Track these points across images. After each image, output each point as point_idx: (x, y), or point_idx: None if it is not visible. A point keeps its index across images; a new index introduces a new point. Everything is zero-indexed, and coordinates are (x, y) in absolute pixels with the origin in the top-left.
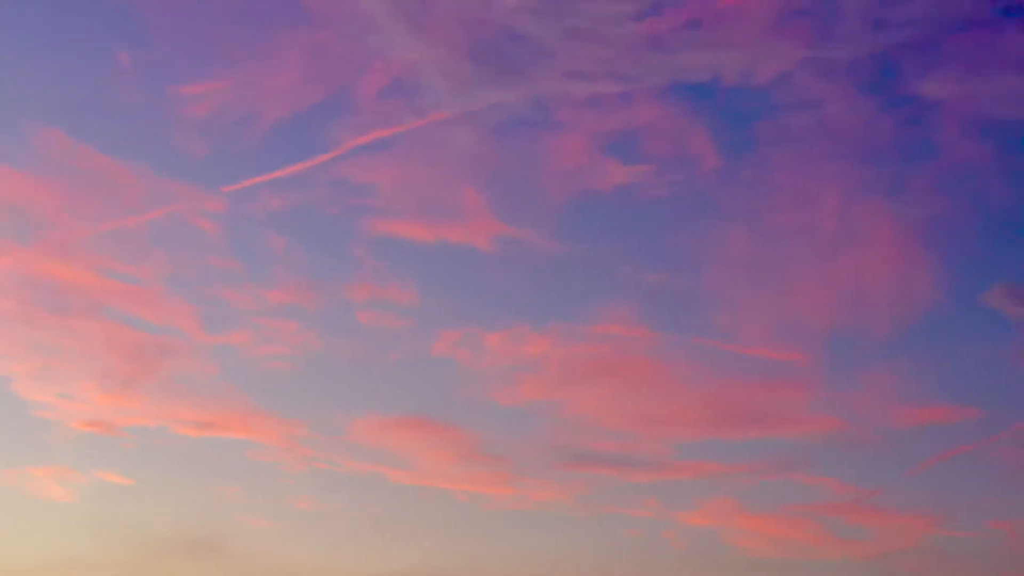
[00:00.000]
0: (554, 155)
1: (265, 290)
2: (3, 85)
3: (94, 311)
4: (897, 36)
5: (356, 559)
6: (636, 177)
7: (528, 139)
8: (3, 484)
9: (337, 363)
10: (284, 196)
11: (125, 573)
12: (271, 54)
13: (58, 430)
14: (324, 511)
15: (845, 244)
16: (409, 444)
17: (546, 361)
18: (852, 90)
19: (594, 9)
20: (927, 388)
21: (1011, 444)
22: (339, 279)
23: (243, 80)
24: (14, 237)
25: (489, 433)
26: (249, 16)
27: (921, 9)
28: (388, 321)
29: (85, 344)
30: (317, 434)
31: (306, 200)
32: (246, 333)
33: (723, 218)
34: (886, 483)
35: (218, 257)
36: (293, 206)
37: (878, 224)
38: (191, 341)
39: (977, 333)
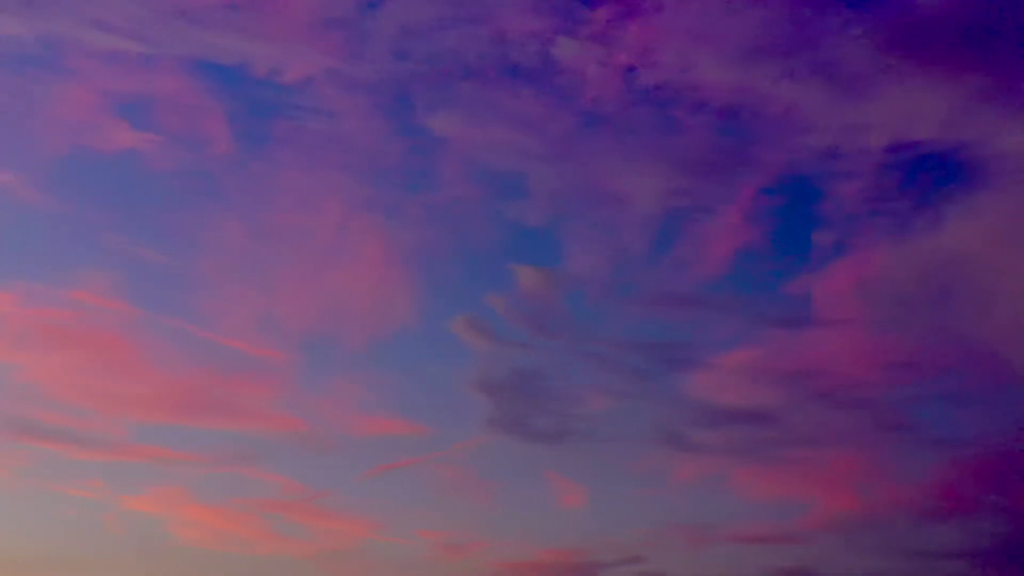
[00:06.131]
0: (58, 103)
1: None
2: None
3: None
4: (417, 69)
5: None
6: (143, 144)
7: (32, 80)
8: None
9: None
10: None
11: None
12: None
13: None
14: None
15: (336, 254)
16: None
17: (3, 321)
18: (370, 110)
19: None
20: (386, 401)
21: (449, 462)
22: None
23: None
24: None
25: None
26: None
27: (440, 49)
28: None
29: None
30: None
31: None
32: None
33: (225, 205)
34: (334, 486)
35: None
36: None
37: (370, 241)
38: None
39: (439, 357)
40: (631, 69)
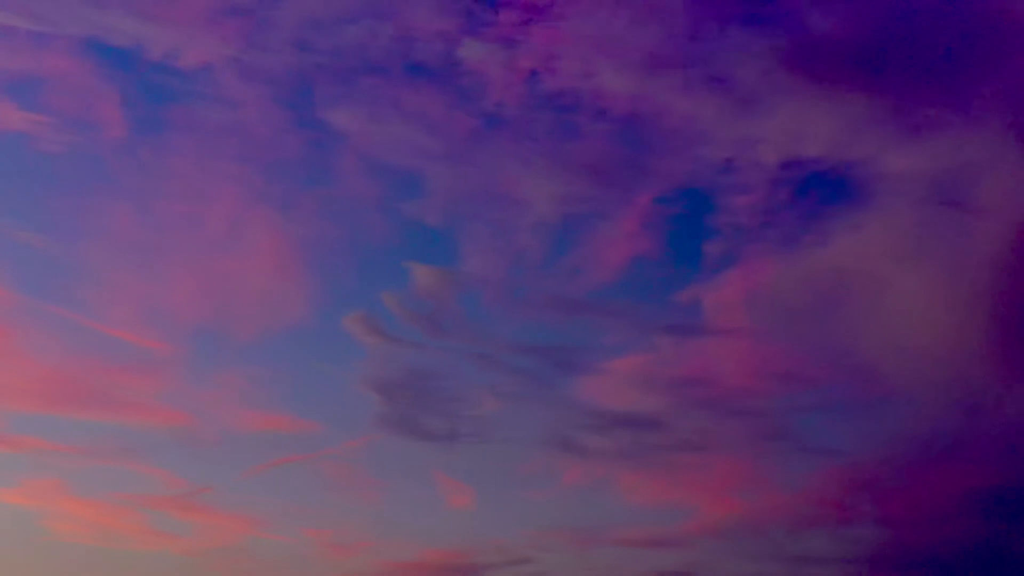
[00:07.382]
0: None
1: None
2: None
3: None
4: (319, 62)
5: None
6: (31, 126)
7: None
8: None
9: None
10: None
11: None
12: None
13: None
14: None
15: (228, 246)
16: None
17: None
18: (269, 101)
19: None
20: (277, 397)
21: (338, 460)
22: None
23: None
24: None
25: None
26: None
27: (344, 44)
28: None
29: None
30: None
31: None
32: None
33: (115, 191)
34: (218, 482)
35: None
36: None
37: (264, 234)
38: None
39: (333, 353)
40: (534, 73)
